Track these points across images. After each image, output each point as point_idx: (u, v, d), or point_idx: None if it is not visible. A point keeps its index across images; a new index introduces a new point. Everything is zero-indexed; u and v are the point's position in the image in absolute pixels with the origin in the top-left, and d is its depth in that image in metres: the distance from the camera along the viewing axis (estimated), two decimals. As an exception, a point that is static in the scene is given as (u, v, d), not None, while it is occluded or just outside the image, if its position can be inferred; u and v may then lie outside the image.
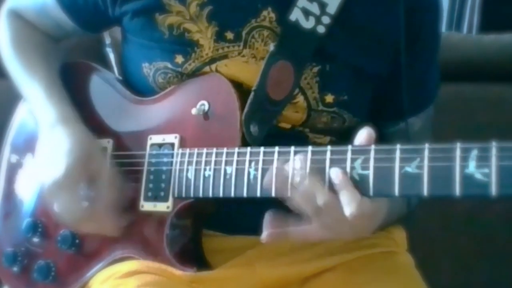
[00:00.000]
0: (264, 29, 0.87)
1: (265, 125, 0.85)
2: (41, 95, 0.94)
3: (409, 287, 0.87)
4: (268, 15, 0.87)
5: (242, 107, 0.83)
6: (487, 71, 1.36)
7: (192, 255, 0.87)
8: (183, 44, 0.88)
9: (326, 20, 0.86)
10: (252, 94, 0.84)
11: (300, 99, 0.88)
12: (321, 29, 0.86)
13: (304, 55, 0.87)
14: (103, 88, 1.00)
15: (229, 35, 0.87)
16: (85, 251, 0.94)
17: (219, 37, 0.87)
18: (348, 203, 0.69)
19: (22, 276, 1.00)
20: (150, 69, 0.91)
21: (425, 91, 0.97)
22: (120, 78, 1.02)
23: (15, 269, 1.01)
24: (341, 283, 0.87)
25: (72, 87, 1.00)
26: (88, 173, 0.87)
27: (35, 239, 0.99)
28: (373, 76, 0.91)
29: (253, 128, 0.83)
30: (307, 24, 0.86)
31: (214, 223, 0.90)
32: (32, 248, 0.99)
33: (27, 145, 1.02)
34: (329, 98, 0.88)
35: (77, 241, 0.94)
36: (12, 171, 1.05)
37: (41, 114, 0.94)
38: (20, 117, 1.07)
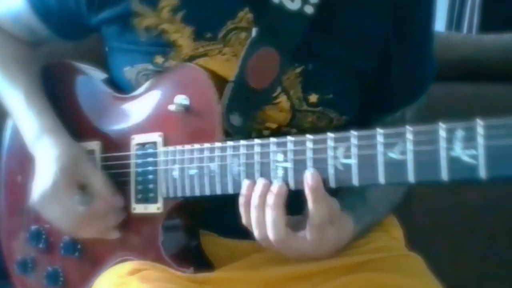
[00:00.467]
0: (242, 31, 0.82)
1: (249, 114, 0.81)
2: (22, 107, 0.93)
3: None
4: (245, 15, 0.82)
5: (221, 98, 0.79)
6: (487, 71, 1.33)
7: (190, 255, 0.85)
8: (162, 45, 0.84)
9: None
10: (229, 85, 0.80)
11: (282, 99, 0.83)
12: (309, 9, 0.80)
13: (292, 40, 0.81)
14: (86, 88, 0.97)
15: (208, 34, 0.83)
16: (88, 256, 0.94)
17: (198, 36, 0.83)
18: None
19: (35, 282, 1.01)
20: (132, 72, 0.88)
21: (417, 82, 0.90)
22: (104, 76, 0.99)
23: (27, 276, 1.02)
24: (361, 285, 0.81)
25: (56, 88, 0.98)
26: (78, 179, 0.86)
27: (41, 246, 0.99)
28: (360, 72, 0.85)
29: (235, 119, 0.79)
30: (293, 5, 0.80)
31: (220, 227, 0.88)
32: (39, 255, 1.00)
33: (23, 152, 1.00)
34: (313, 97, 0.83)
35: (79, 246, 0.94)
36: (13, 177, 1.04)
37: (23, 126, 0.93)
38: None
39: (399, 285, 0.80)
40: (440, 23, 2.06)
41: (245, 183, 0.72)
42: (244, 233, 0.78)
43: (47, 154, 0.88)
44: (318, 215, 0.70)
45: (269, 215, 0.70)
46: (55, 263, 0.97)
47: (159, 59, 0.85)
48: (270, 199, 0.70)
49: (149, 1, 0.84)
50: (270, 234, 0.71)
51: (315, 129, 0.83)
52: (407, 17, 0.83)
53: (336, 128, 0.82)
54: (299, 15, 0.80)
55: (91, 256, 0.93)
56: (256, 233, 0.72)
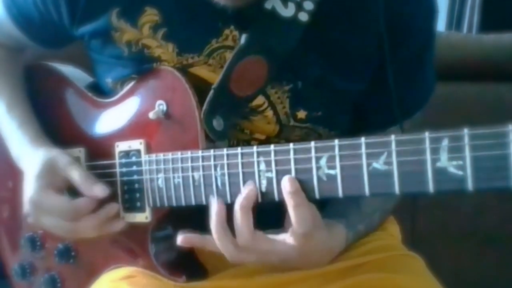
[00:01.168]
0: (227, 50, 0.78)
1: (233, 117, 0.78)
2: (4, 118, 0.91)
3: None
4: (231, 33, 0.78)
5: (203, 102, 0.76)
6: (487, 71, 1.31)
7: (182, 263, 0.83)
8: (144, 60, 0.81)
9: (309, 5, 0.75)
10: (211, 92, 0.76)
11: (269, 113, 0.80)
12: (303, 17, 0.75)
13: (284, 49, 0.76)
14: (65, 92, 0.94)
15: (191, 52, 0.79)
16: (83, 263, 0.93)
17: (181, 51, 0.79)
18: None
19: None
20: (115, 83, 0.86)
21: (409, 99, 0.85)
22: (88, 79, 0.96)
23: (26, 282, 1.01)
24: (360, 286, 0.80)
25: (34, 92, 0.96)
26: (59, 181, 0.84)
27: (36, 253, 0.98)
28: (349, 90, 0.81)
29: (217, 123, 0.76)
30: (286, 12, 0.75)
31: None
32: (36, 261, 0.99)
33: (10, 158, 0.97)
34: (302, 114, 0.79)
35: (73, 253, 0.93)
36: (3, 183, 1.03)
37: (7, 139, 0.92)
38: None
39: (398, 286, 0.78)
40: (440, 23, 2.03)
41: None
42: None
43: (29, 167, 0.86)
44: (302, 221, 0.67)
45: (236, 218, 0.69)
46: (52, 269, 0.97)
47: (144, 71, 0.82)
48: (237, 202, 0.69)
49: (128, 17, 0.80)
50: (237, 238, 0.69)
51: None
52: (403, 36, 0.79)
53: None
54: (292, 23, 0.75)
55: (86, 263, 0.92)
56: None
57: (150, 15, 0.79)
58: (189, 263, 0.84)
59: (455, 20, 2.09)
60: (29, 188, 0.84)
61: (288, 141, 0.80)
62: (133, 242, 0.85)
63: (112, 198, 0.84)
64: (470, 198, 1.26)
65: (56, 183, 0.84)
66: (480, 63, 1.30)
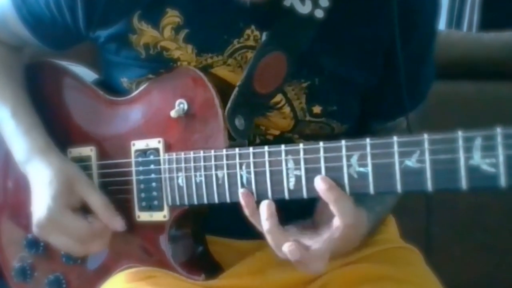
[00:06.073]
0: (248, 50, 0.80)
1: (253, 116, 0.80)
2: (9, 124, 0.90)
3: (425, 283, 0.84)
4: (252, 33, 0.79)
5: (224, 101, 0.77)
6: (487, 69, 1.33)
7: (200, 261, 0.84)
8: (163, 61, 0.82)
9: (324, 2, 0.78)
10: (236, 89, 0.78)
11: (286, 110, 0.82)
12: (319, 14, 0.78)
13: (300, 44, 0.79)
14: (74, 90, 0.93)
15: (212, 52, 0.80)
16: (92, 264, 0.92)
17: (201, 51, 0.80)
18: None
19: (36, 290, 0.99)
20: (131, 83, 0.86)
21: (417, 90, 0.89)
22: (93, 76, 0.95)
23: (26, 283, 0.99)
24: (359, 276, 0.83)
25: (40, 91, 0.94)
26: (74, 201, 0.84)
27: (40, 254, 0.96)
28: (364, 86, 0.84)
29: (239, 122, 0.78)
30: (304, 9, 0.78)
31: (220, 228, 0.86)
32: (38, 262, 0.97)
33: (11, 159, 0.96)
34: (317, 109, 0.82)
35: (81, 254, 0.92)
36: (4, 183, 1.01)
37: (12, 145, 0.90)
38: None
39: (394, 276, 0.81)
40: (440, 22, 2.05)
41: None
42: (245, 233, 0.78)
43: (39, 179, 0.85)
44: (346, 213, 0.68)
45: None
46: (57, 270, 0.95)
47: (161, 71, 0.83)
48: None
49: (149, 19, 0.81)
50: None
51: (318, 135, 0.83)
52: (412, 26, 0.82)
53: (337, 136, 0.81)
54: (309, 19, 0.78)
55: (95, 263, 0.91)
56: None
57: (172, 16, 0.80)
58: (205, 261, 0.85)
59: (455, 19, 2.13)
60: (44, 204, 0.83)
61: (301, 135, 0.84)
62: (147, 241, 0.85)
63: (126, 197, 0.84)
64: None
65: (73, 203, 0.84)
66: (480, 62, 1.32)
